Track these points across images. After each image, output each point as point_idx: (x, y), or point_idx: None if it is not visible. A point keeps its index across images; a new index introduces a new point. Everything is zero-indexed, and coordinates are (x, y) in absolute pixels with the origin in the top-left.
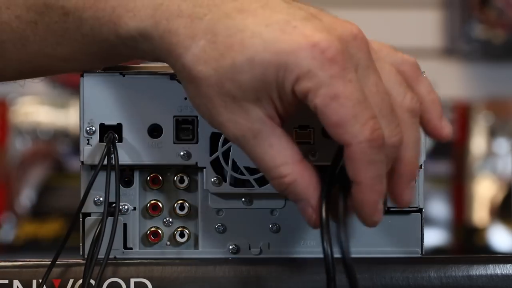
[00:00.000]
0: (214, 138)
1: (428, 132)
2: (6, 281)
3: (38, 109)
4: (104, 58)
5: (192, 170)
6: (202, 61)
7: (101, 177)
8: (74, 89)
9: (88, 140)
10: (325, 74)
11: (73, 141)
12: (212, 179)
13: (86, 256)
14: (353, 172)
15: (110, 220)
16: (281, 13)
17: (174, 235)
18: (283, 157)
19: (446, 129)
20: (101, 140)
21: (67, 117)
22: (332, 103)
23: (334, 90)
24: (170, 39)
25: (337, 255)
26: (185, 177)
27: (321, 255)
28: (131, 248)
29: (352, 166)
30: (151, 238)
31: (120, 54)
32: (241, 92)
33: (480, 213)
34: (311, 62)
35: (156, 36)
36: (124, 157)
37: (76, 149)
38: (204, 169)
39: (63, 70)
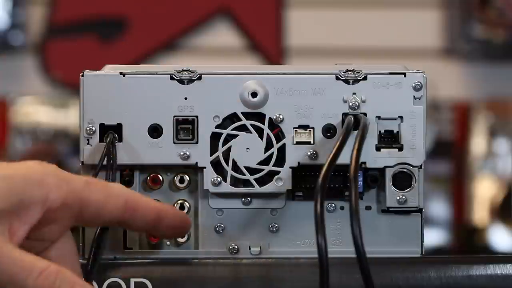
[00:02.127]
0: (214, 138)
1: None
2: None
3: (38, 109)
4: None
5: (192, 170)
6: None
7: (101, 177)
8: (74, 89)
9: (88, 140)
10: None
11: (73, 141)
12: (212, 179)
13: (86, 256)
14: None
15: None
16: None
17: None
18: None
19: None
20: (101, 140)
21: (67, 117)
22: None
23: None
24: None
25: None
26: (185, 177)
27: None
28: (131, 248)
29: None
30: (151, 238)
31: None
32: None
33: (480, 213)
34: None
35: None
36: (124, 157)
37: (76, 149)
38: (204, 169)
39: None
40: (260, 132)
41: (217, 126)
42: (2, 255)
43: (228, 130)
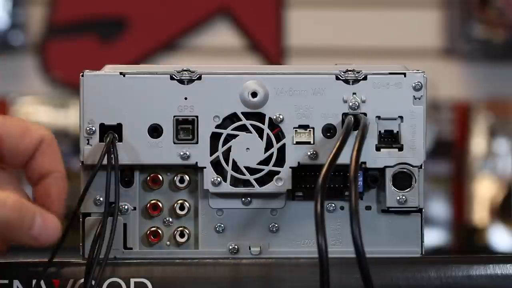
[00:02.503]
0: (214, 138)
1: None
2: (6, 281)
3: (38, 109)
4: None
5: (192, 170)
6: None
7: (101, 177)
8: (74, 89)
9: (88, 140)
10: None
11: (73, 141)
12: (212, 179)
13: (86, 256)
14: None
15: (110, 220)
16: None
17: (174, 235)
18: None
19: None
20: (101, 140)
21: (67, 117)
22: None
23: None
24: None
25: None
26: (185, 177)
27: None
28: (131, 248)
29: None
30: (151, 238)
31: None
32: None
33: (480, 213)
34: None
35: None
36: (124, 157)
37: (76, 149)
38: (204, 169)
39: None
40: (260, 132)
41: (217, 126)
42: None
43: (228, 130)
